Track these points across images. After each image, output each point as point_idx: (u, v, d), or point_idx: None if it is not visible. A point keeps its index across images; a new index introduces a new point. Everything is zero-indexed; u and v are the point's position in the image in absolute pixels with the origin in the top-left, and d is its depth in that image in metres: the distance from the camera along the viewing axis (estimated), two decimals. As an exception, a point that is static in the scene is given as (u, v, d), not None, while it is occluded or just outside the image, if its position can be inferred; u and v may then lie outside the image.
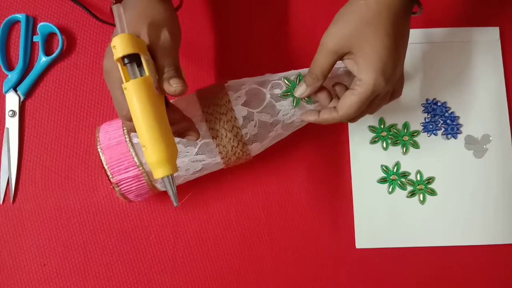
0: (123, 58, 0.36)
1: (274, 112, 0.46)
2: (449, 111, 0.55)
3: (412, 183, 0.54)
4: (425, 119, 0.55)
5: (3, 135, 0.55)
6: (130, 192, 0.46)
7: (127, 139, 0.45)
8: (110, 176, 0.45)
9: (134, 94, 0.36)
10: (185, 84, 0.38)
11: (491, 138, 0.54)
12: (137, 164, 0.45)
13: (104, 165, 0.45)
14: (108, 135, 0.46)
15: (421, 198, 0.53)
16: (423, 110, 0.55)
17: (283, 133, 0.48)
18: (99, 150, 0.45)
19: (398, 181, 0.54)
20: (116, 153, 0.45)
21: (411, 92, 0.55)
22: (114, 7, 0.37)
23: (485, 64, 0.56)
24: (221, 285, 0.52)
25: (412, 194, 0.54)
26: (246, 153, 0.46)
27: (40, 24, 0.56)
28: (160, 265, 0.53)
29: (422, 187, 0.54)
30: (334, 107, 0.42)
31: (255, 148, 0.47)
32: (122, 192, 0.46)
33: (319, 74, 0.42)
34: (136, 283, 0.52)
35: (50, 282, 0.52)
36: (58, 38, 0.56)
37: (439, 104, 0.55)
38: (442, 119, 0.55)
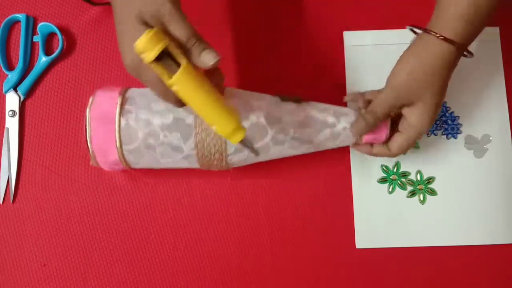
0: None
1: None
2: (449, 111, 0.55)
3: (412, 183, 0.54)
4: (425, 119, 0.55)
5: (3, 135, 0.55)
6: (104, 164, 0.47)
7: (117, 120, 0.45)
8: (90, 149, 0.46)
9: (185, 87, 0.37)
10: (216, 52, 0.38)
11: (491, 138, 0.54)
12: (117, 149, 0.45)
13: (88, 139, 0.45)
14: (101, 108, 0.46)
15: (421, 198, 0.53)
16: (423, 110, 0.55)
17: (273, 146, 0.47)
18: (87, 119, 0.45)
19: (398, 181, 0.54)
20: (102, 133, 0.45)
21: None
22: None
23: (485, 64, 0.56)
24: (221, 285, 0.52)
25: (412, 194, 0.54)
26: (223, 155, 0.46)
27: (40, 24, 0.56)
28: (160, 265, 0.53)
29: (422, 187, 0.54)
30: (386, 145, 0.48)
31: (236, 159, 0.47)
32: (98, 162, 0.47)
33: (381, 114, 0.45)
34: (136, 283, 0.52)
35: (50, 282, 0.52)
36: (58, 38, 0.56)
37: (439, 104, 0.55)
38: (442, 119, 0.55)
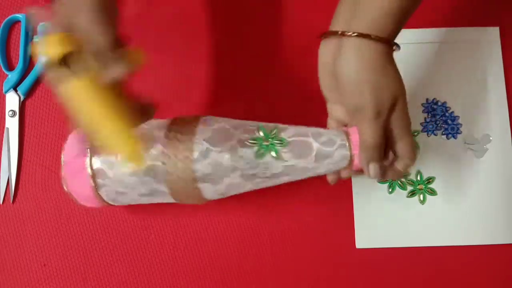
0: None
1: (235, 156, 0.42)
2: (449, 111, 0.55)
3: (412, 183, 0.54)
4: (425, 119, 0.55)
5: (3, 135, 0.55)
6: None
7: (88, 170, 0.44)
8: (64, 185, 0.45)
9: (77, 97, 0.35)
10: (126, 66, 0.35)
11: (491, 138, 0.54)
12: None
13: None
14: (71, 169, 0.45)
15: (421, 198, 0.53)
16: (423, 110, 0.55)
17: (244, 183, 0.44)
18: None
19: (398, 181, 0.54)
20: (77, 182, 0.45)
21: (410, 92, 0.55)
22: None
23: (485, 64, 0.56)
24: (221, 285, 0.52)
25: (412, 194, 0.54)
26: (194, 188, 0.43)
27: (40, 24, 0.56)
28: (160, 265, 0.53)
29: (422, 187, 0.54)
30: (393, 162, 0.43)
31: (208, 190, 0.44)
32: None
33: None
34: (136, 283, 0.52)
35: (50, 282, 0.52)
36: (58, 38, 0.56)
37: (439, 104, 0.55)
38: (442, 119, 0.55)
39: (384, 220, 0.53)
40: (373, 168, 0.42)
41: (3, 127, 0.55)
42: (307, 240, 0.53)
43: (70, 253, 0.53)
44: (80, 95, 0.34)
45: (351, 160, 0.43)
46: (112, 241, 0.53)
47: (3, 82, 0.55)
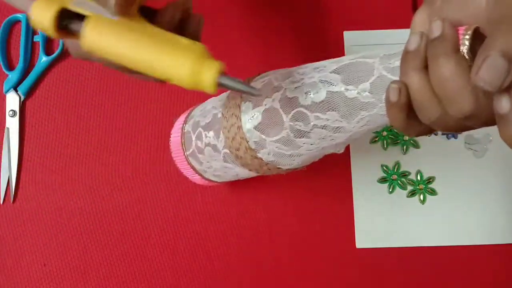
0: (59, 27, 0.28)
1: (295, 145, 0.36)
2: (449, 111, 0.55)
3: (412, 182, 0.54)
4: (425, 119, 0.55)
5: (3, 135, 0.55)
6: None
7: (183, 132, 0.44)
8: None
9: (102, 41, 0.28)
10: None
11: (491, 138, 0.54)
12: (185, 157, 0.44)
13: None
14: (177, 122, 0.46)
15: (421, 198, 0.53)
16: (423, 110, 0.55)
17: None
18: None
19: (398, 181, 0.54)
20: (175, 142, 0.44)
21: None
22: None
23: (485, 64, 0.56)
24: (221, 285, 0.52)
25: (412, 194, 0.54)
26: (246, 144, 0.37)
27: (40, 24, 0.56)
28: (160, 265, 0.53)
29: (423, 187, 0.54)
30: None
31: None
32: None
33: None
34: (136, 283, 0.52)
35: (50, 282, 0.52)
36: (58, 38, 0.56)
37: (439, 104, 0.55)
38: (442, 119, 0.55)
39: (384, 220, 0.53)
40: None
41: (3, 127, 0.55)
42: (307, 240, 0.53)
43: (70, 253, 0.53)
44: (99, 36, 0.28)
45: None
46: (112, 241, 0.53)
47: (3, 82, 0.55)
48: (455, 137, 0.55)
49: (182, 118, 0.45)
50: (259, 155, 0.37)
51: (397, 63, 0.29)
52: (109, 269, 0.52)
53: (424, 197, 0.53)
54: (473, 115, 0.26)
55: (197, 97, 0.55)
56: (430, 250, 0.53)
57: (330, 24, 0.57)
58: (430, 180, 0.54)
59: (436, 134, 0.55)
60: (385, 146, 0.54)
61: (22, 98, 0.55)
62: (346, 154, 0.54)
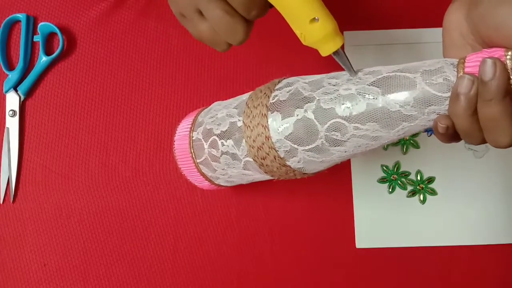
0: None
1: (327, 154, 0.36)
2: (449, 111, 0.55)
3: (412, 182, 0.54)
4: (425, 119, 0.55)
5: (3, 135, 0.55)
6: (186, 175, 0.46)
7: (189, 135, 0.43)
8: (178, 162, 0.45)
9: None
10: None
11: (491, 138, 0.54)
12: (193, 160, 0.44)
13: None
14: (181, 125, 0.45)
15: (421, 198, 0.53)
16: (423, 110, 0.55)
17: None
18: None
19: (398, 181, 0.54)
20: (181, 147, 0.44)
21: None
22: None
23: (485, 64, 0.56)
24: (221, 285, 0.52)
25: (412, 194, 0.54)
26: (273, 151, 0.37)
27: (40, 24, 0.56)
28: (160, 265, 0.53)
29: (423, 187, 0.54)
30: None
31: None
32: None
33: None
34: (136, 283, 0.52)
35: (50, 282, 0.52)
36: (58, 38, 0.56)
37: (439, 104, 0.55)
38: (442, 119, 0.55)
39: (384, 220, 0.53)
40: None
41: (3, 127, 0.55)
42: (307, 240, 0.53)
43: (70, 253, 0.53)
44: None
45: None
46: (112, 241, 0.53)
47: (3, 82, 0.55)
48: (455, 137, 0.55)
49: (184, 124, 0.45)
50: (287, 163, 0.38)
51: (440, 80, 0.31)
52: (109, 269, 0.52)
53: (424, 197, 0.53)
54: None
55: (197, 97, 0.56)
56: (430, 250, 0.53)
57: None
58: (430, 180, 0.54)
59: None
60: (385, 146, 0.54)
61: (22, 98, 0.55)
62: (346, 154, 0.54)
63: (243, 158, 0.40)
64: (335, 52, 0.34)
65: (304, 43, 0.35)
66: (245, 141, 0.38)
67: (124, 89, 0.56)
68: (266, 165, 0.39)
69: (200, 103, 0.55)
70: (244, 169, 0.41)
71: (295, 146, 0.37)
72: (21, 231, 0.53)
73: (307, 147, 0.36)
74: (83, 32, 0.57)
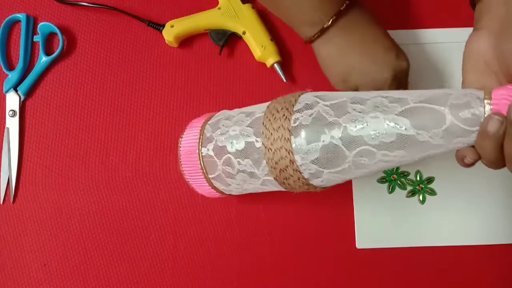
0: None
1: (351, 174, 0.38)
2: (449, 111, 0.55)
3: (412, 183, 0.54)
4: (425, 119, 0.55)
5: (3, 135, 0.55)
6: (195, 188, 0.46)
7: (198, 150, 0.43)
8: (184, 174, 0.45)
9: None
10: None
11: (491, 138, 0.54)
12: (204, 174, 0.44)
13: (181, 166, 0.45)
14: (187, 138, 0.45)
15: (421, 198, 0.53)
16: (423, 110, 0.55)
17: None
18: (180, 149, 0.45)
19: (398, 181, 0.54)
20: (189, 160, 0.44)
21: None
22: None
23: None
24: (221, 285, 0.52)
25: (412, 194, 0.54)
26: (294, 170, 0.38)
27: (40, 24, 0.56)
28: (160, 265, 0.53)
29: (422, 187, 0.54)
30: None
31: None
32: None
33: None
34: (136, 283, 0.52)
35: (50, 282, 0.52)
36: (58, 38, 0.56)
37: (439, 104, 0.55)
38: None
39: (384, 220, 0.53)
40: None
41: (3, 127, 0.55)
42: (307, 240, 0.53)
43: (70, 253, 0.53)
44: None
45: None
46: (112, 241, 0.53)
47: (3, 82, 0.55)
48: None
49: (189, 137, 0.44)
50: (311, 182, 0.39)
51: (468, 115, 0.32)
52: (109, 269, 0.52)
53: (424, 197, 0.53)
54: None
55: (197, 97, 0.56)
56: (429, 250, 0.53)
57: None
58: (430, 180, 0.54)
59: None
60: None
61: (22, 98, 0.55)
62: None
63: (262, 177, 0.40)
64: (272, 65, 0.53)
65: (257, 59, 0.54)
66: (267, 163, 0.39)
67: (124, 89, 0.56)
68: (288, 184, 0.39)
69: (200, 103, 0.55)
70: (262, 185, 0.41)
71: (321, 169, 0.37)
72: (21, 231, 0.53)
73: (332, 170, 0.37)
74: (83, 32, 0.57)
